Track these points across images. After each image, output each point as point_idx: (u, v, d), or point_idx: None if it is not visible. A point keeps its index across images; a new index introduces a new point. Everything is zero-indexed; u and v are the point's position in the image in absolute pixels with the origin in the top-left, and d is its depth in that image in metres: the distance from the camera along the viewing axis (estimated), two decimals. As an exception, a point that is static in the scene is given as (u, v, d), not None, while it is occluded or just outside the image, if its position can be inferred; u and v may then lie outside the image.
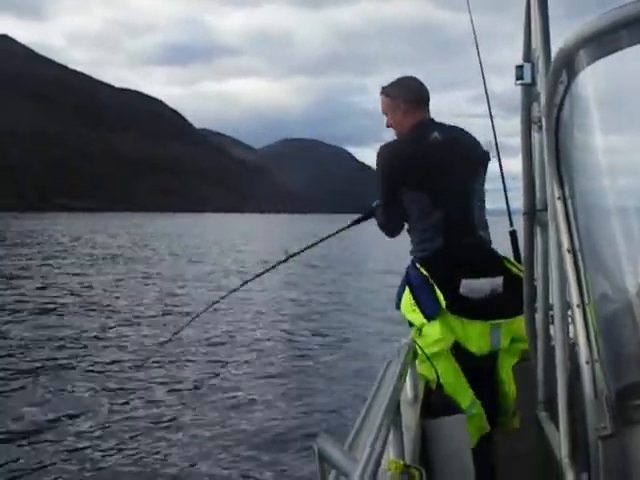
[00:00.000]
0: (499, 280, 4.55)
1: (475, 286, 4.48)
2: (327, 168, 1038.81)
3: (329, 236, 6.10)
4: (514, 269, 4.66)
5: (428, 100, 4.93)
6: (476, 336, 4.48)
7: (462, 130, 4.98)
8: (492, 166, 5.28)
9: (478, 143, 4.96)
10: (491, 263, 4.67)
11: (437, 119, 4.94)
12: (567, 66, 2.01)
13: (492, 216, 5.02)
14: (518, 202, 5.36)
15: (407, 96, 4.86)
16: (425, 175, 4.65)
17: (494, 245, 4.83)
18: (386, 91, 4.95)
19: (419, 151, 4.70)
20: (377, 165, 4.83)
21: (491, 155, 5.08)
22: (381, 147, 4.87)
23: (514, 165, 5.58)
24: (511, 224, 6.27)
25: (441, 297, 4.40)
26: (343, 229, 5.83)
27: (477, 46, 6.65)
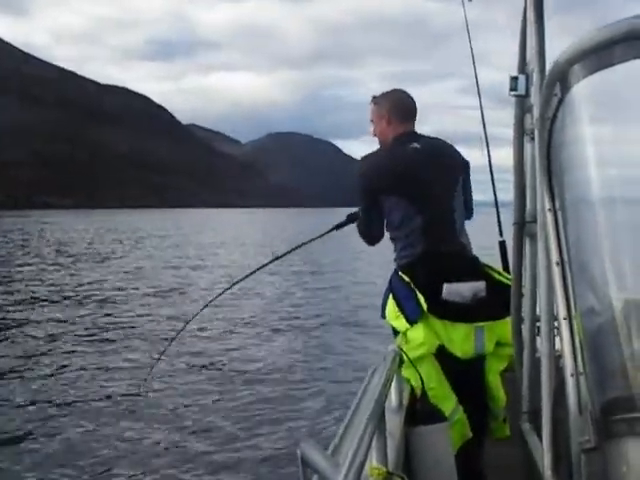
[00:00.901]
0: (481, 284, 4.57)
1: (457, 290, 4.50)
2: (314, 162, 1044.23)
3: (312, 240, 6.04)
4: (495, 275, 4.70)
5: (414, 114, 4.99)
6: (460, 339, 4.48)
7: (442, 141, 5.02)
8: (482, 159, 5.25)
9: (458, 152, 4.98)
10: (472, 268, 4.69)
11: (426, 111, 4.93)
12: (561, 80, 2.03)
13: (483, 207, 5.05)
14: (507, 195, 5.38)
15: (394, 107, 4.91)
16: (403, 182, 4.67)
17: (485, 233, 4.84)
18: (375, 100, 5.01)
19: (397, 160, 4.75)
20: (358, 176, 4.88)
21: (470, 164, 5.09)
22: (361, 158, 4.96)
23: (503, 157, 5.57)
24: (501, 234, 6.32)
25: (422, 301, 4.41)
26: (324, 233, 5.80)
27: (470, 40, 6.74)
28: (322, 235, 5.75)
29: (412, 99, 5.01)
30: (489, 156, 6.40)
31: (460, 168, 4.92)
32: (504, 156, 5.21)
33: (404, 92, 5.08)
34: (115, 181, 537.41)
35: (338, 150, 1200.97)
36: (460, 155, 4.96)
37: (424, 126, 4.90)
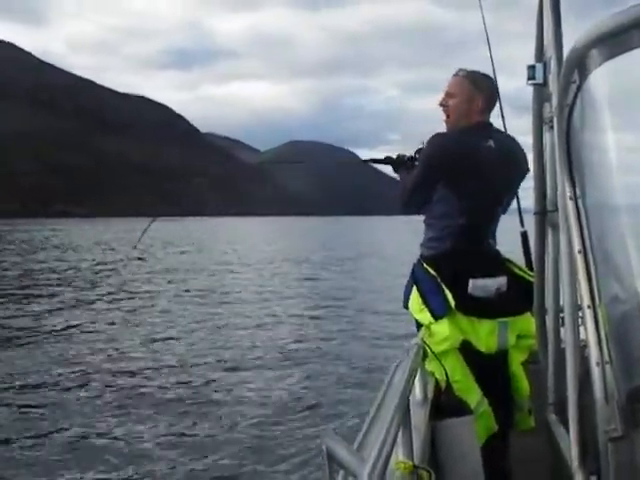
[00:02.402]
0: (503, 279, 4.62)
1: (482, 285, 4.54)
2: (331, 171, 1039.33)
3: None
4: (516, 269, 4.76)
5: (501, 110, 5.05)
6: (485, 335, 4.53)
7: (515, 142, 4.97)
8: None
9: (525, 158, 4.90)
10: (494, 263, 4.74)
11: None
12: (579, 66, 2.01)
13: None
14: (526, 201, 5.38)
15: (490, 95, 4.86)
16: (466, 180, 4.64)
17: (506, 243, 4.85)
18: (473, 77, 4.84)
19: (469, 154, 4.67)
20: (425, 150, 4.83)
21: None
22: (436, 135, 4.80)
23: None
24: (522, 224, 6.27)
25: (450, 297, 4.44)
26: (356, 163, 5.79)
27: (489, 46, 6.69)
28: (351, 164, 5.73)
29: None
30: None
31: (520, 177, 4.92)
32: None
33: (494, 81, 5.05)
34: (132, 190, 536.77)
35: (357, 158, 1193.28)
36: (526, 162, 4.88)
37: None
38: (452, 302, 4.43)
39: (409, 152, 5.22)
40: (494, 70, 6.67)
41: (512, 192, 4.95)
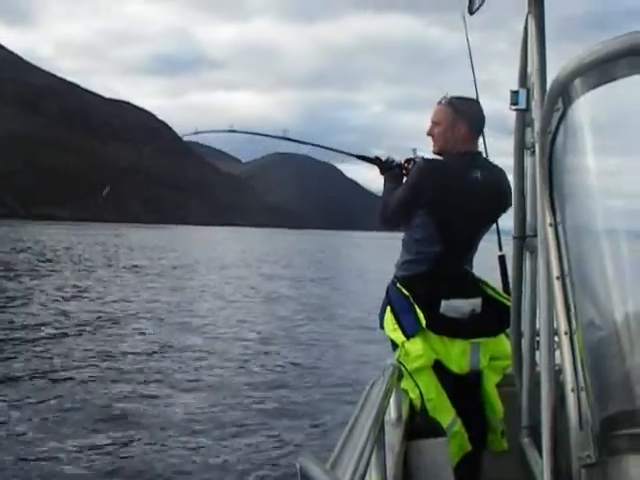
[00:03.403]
0: (477, 301, 4.69)
1: (455, 306, 4.60)
2: (315, 184, 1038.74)
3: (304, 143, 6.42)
4: (490, 291, 4.81)
5: (482, 132, 4.97)
6: (457, 355, 4.58)
7: (502, 175, 4.95)
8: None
9: (510, 192, 4.83)
10: (468, 285, 4.80)
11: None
12: (563, 94, 2.04)
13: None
14: (505, 222, 5.41)
15: (473, 120, 4.88)
16: (446, 209, 4.70)
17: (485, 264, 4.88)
18: (454, 104, 4.89)
19: (456, 185, 4.72)
20: (412, 174, 4.85)
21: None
22: (425, 161, 4.88)
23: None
24: (500, 248, 6.31)
25: (421, 316, 4.50)
26: (343, 152, 5.87)
27: (472, 67, 6.74)
28: (338, 151, 5.83)
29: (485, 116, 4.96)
30: None
31: (502, 210, 4.95)
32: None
33: (480, 105, 5.04)
34: (114, 195, 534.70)
35: (340, 173, 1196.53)
36: (510, 194, 4.79)
37: (426, 149, 4.86)
38: (423, 321, 4.47)
39: (399, 158, 5.24)
40: (477, 90, 6.71)
41: (492, 223, 4.98)
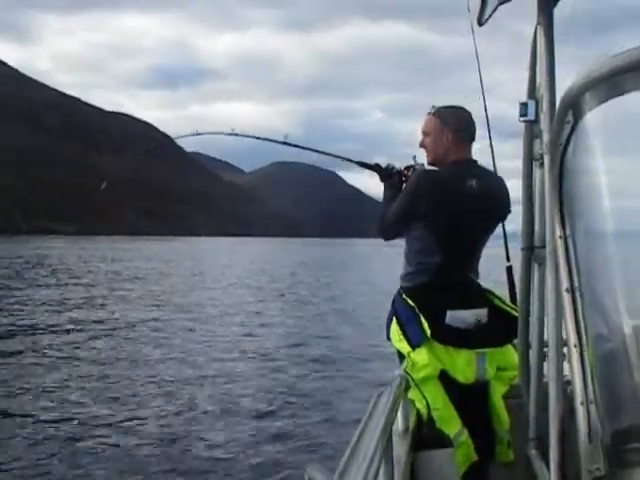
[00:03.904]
0: (483, 311, 4.63)
1: (460, 316, 4.55)
2: (318, 192, 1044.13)
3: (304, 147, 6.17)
4: (496, 301, 4.76)
5: (474, 138, 4.92)
6: (462, 365, 4.52)
7: (499, 182, 4.99)
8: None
9: (508, 199, 4.94)
10: (474, 295, 4.74)
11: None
12: (574, 107, 2.03)
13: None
14: (512, 225, 5.37)
15: (459, 127, 4.84)
16: (446, 222, 4.67)
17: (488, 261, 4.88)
18: (439, 113, 4.89)
19: (451, 195, 4.68)
20: (409, 185, 4.86)
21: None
22: (422, 171, 4.90)
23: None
24: (507, 259, 6.28)
25: (426, 326, 4.45)
26: (344, 159, 5.89)
27: (480, 72, 6.67)
28: (338, 157, 5.85)
29: (473, 120, 4.95)
30: (495, 169, 6.38)
31: (501, 218, 4.99)
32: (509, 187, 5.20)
33: (467, 111, 4.98)
34: (117, 208, 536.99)
35: (342, 181, 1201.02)
36: (508, 202, 4.93)
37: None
38: (428, 331, 4.44)
39: (399, 165, 5.22)
40: (484, 95, 6.68)
41: (492, 231, 4.93)
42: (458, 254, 4.73)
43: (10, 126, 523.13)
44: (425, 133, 4.93)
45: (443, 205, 4.66)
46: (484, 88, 6.62)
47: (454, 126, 4.82)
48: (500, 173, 6.43)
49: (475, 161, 4.89)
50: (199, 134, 6.32)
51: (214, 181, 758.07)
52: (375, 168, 5.33)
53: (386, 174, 5.22)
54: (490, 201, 4.75)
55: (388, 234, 5.01)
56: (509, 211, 4.98)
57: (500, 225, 5.24)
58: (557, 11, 2.95)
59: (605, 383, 2.21)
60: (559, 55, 2.92)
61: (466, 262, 4.80)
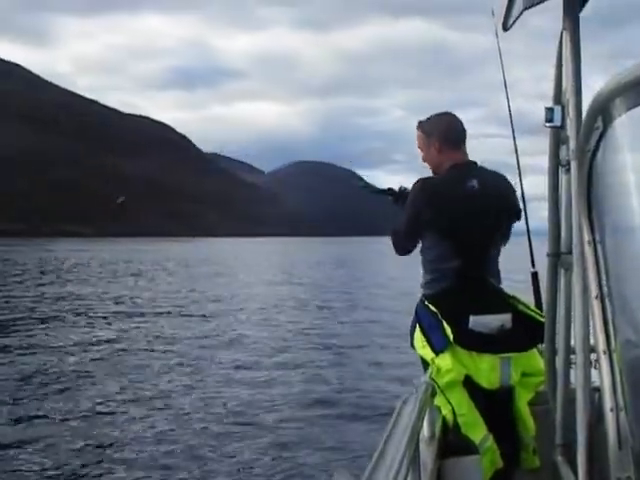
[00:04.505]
0: (507, 316, 4.58)
1: (483, 321, 4.52)
2: (337, 191, 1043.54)
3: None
4: (520, 306, 4.70)
5: (464, 139, 4.92)
6: (486, 370, 4.49)
7: (501, 178, 4.99)
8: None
9: (514, 195, 5.02)
10: (497, 300, 4.71)
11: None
12: (603, 112, 1.99)
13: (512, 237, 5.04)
14: (534, 221, 5.34)
15: (442, 134, 4.87)
16: (452, 224, 4.68)
17: (516, 261, 4.85)
18: (422, 127, 4.98)
19: (453, 198, 4.71)
20: (410, 196, 4.86)
21: (514, 184, 5.19)
22: (420, 180, 4.86)
23: (526, 184, 5.52)
24: (533, 265, 6.26)
25: (449, 331, 4.43)
26: (363, 188, 5.94)
27: (503, 71, 6.72)
28: (369, 190, 5.82)
29: (459, 121, 4.97)
30: (521, 184, 6.36)
31: (512, 215, 4.93)
32: (525, 185, 5.16)
33: (450, 115, 5.02)
34: (136, 210, 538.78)
35: (360, 179, 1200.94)
36: (515, 199, 4.99)
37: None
38: (451, 336, 4.42)
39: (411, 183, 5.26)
40: (507, 93, 6.69)
41: (502, 230, 4.90)
42: (472, 256, 4.71)
43: (28, 129, 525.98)
44: (419, 149, 5.03)
45: (444, 209, 4.69)
46: (500, 83, 6.64)
47: (438, 135, 4.87)
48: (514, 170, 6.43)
49: (475, 162, 4.91)
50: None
51: (233, 182, 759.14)
52: (388, 192, 5.41)
53: (399, 196, 5.29)
54: (494, 200, 4.77)
55: (403, 249, 5.06)
56: (518, 209, 5.00)
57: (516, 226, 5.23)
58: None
59: (635, 390, 2.17)
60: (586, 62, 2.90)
61: (482, 264, 4.77)
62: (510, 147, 6.68)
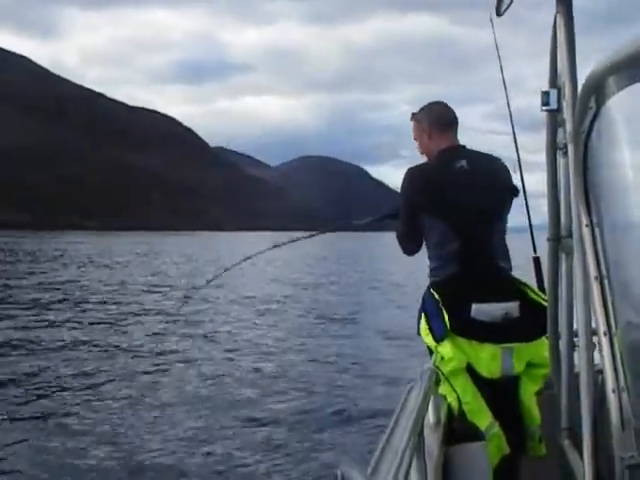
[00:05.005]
0: (514, 305, 4.55)
1: (486, 310, 4.48)
2: (343, 186, 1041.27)
3: (322, 232, 6.50)
4: (532, 294, 4.66)
5: (454, 124, 4.98)
6: (486, 359, 4.48)
7: (492, 157, 4.99)
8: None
9: (507, 173, 4.99)
10: (507, 288, 4.66)
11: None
12: (596, 92, 2.00)
13: (512, 233, 5.00)
14: (537, 218, 5.34)
15: (432, 120, 4.93)
16: (447, 204, 4.68)
17: (520, 261, 4.82)
18: (415, 117, 5.06)
19: (443, 179, 4.74)
20: (401, 187, 4.89)
21: (514, 174, 5.15)
22: (408, 169, 4.89)
23: (530, 181, 5.53)
24: (534, 250, 6.27)
25: (447, 319, 4.43)
26: (365, 223, 5.83)
27: (501, 68, 6.77)
28: (363, 223, 5.85)
29: (450, 109, 5.01)
30: (521, 172, 6.38)
31: (507, 192, 4.90)
32: (530, 179, 5.16)
33: (440, 103, 5.09)
34: (142, 203, 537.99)
35: (367, 174, 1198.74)
36: (509, 176, 4.97)
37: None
38: (448, 324, 4.42)
39: None
40: (506, 89, 6.71)
41: (500, 208, 4.87)
42: (473, 237, 4.67)
43: (34, 121, 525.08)
44: (415, 140, 5.08)
45: (435, 191, 4.71)
46: (507, 81, 6.69)
47: (429, 122, 4.94)
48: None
49: (464, 146, 4.94)
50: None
51: (238, 175, 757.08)
52: (388, 216, 5.38)
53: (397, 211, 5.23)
54: (484, 176, 4.78)
55: (410, 247, 5.07)
56: (512, 185, 4.98)
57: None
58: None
59: (636, 371, 2.20)
60: (578, 47, 2.91)
61: (485, 244, 4.72)
62: (518, 143, 6.71)
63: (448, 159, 4.79)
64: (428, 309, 4.63)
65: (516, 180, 5.27)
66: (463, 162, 4.74)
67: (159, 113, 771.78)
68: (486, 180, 4.78)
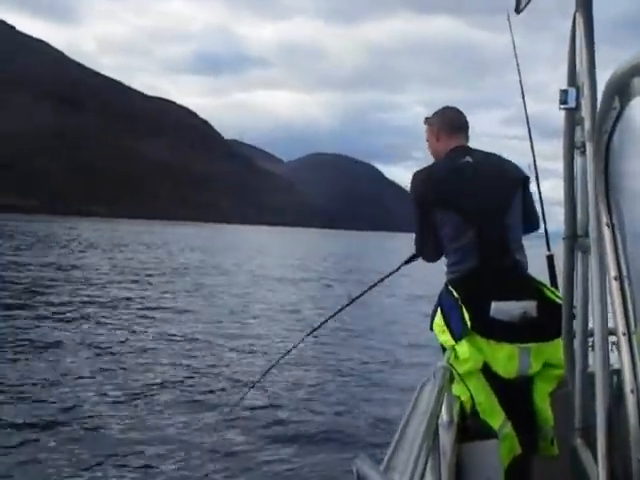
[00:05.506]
0: (532, 304, 4.50)
1: (505, 308, 4.44)
2: (355, 184, 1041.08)
3: (387, 276, 6.27)
4: (549, 293, 4.61)
5: (464, 128, 5.05)
6: (503, 359, 4.45)
7: (498, 156, 5.01)
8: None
9: (516, 166, 4.99)
10: (525, 287, 4.62)
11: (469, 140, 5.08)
12: (620, 93, 1.97)
13: (525, 240, 4.98)
14: (551, 224, 5.29)
15: (443, 123, 5.02)
16: (454, 195, 4.71)
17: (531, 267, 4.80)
18: (427, 121, 5.14)
19: (448, 173, 4.79)
20: (410, 190, 4.92)
21: (530, 178, 5.15)
22: (414, 173, 4.95)
23: (547, 188, 5.48)
24: (548, 248, 6.24)
25: (467, 318, 4.39)
26: (394, 272, 6.02)
27: (519, 72, 6.79)
28: (392, 273, 6.02)
29: (461, 113, 5.09)
30: (536, 173, 6.38)
31: (517, 183, 4.86)
32: (547, 185, 5.09)
33: (452, 108, 5.15)
34: (153, 192, 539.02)
35: (380, 174, 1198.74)
36: (518, 170, 4.95)
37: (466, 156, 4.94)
38: (468, 323, 4.39)
39: None
40: (523, 93, 6.71)
41: (508, 198, 4.79)
42: (487, 227, 4.66)
43: (50, 108, 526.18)
44: (427, 142, 5.17)
45: (442, 180, 4.77)
46: (525, 88, 6.68)
47: (440, 125, 5.03)
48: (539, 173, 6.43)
49: (468, 146, 4.99)
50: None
51: (251, 169, 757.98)
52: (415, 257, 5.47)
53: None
54: (491, 169, 4.82)
55: (429, 253, 5.09)
56: (523, 175, 4.96)
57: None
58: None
59: None
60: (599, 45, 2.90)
61: (499, 237, 4.68)
62: (536, 151, 6.69)
63: (453, 157, 4.86)
64: (446, 306, 4.61)
65: (531, 181, 5.26)
66: (468, 158, 4.80)
67: (175, 103, 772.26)
68: (492, 172, 4.80)
